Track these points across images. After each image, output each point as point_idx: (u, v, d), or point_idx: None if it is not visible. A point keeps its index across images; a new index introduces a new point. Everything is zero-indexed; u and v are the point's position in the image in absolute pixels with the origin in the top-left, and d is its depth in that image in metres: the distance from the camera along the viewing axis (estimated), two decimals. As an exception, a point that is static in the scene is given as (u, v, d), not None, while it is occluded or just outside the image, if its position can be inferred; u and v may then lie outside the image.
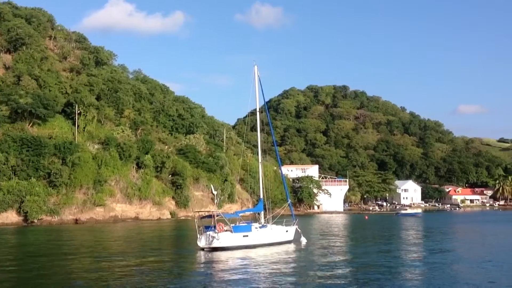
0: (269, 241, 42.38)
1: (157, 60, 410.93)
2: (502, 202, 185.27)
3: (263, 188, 46.94)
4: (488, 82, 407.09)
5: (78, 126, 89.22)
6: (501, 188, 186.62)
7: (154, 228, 69.00)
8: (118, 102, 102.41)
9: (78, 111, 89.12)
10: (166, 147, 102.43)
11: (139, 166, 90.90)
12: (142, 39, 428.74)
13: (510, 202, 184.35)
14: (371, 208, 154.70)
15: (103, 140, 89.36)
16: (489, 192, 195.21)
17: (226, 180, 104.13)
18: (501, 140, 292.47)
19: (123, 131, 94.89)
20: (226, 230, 40.34)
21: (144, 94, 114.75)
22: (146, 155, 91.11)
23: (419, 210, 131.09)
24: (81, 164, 79.42)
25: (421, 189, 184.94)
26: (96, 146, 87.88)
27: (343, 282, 25.91)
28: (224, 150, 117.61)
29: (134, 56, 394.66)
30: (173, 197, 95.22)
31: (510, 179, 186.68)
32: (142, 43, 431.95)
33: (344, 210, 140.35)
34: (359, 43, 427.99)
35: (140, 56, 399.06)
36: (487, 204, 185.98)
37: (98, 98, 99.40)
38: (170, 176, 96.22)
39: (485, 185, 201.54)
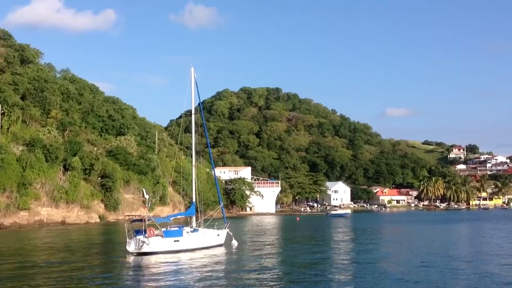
0: (201, 245, 42.30)
1: (87, 59, 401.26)
2: (426, 203, 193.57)
3: (195, 191, 46.83)
4: (414, 85, 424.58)
5: (1, 126, 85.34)
6: (425, 189, 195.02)
7: (82, 232, 67.09)
8: (44, 102, 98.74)
9: (2, 111, 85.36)
10: (95, 148, 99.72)
11: (66, 169, 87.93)
12: (71, 37, 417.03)
13: (433, 202, 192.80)
14: (302, 209, 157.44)
15: (28, 141, 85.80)
16: (414, 193, 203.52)
17: (158, 182, 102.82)
18: (426, 143, 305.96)
19: (50, 132, 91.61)
20: (156, 235, 40.00)
21: (72, 94, 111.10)
22: (74, 157, 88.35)
23: (348, 211, 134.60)
24: (5, 167, 75.92)
25: (351, 190, 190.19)
26: (20, 148, 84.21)
27: (272, 284, 26.22)
28: (156, 152, 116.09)
29: (62, 54, 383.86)
30: (102, 200, 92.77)
31: (433, 180, 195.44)
32: (71, 41, 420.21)
33: (276, 211, 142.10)
34: (292, 45, 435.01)
35: (68, 54, 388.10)
36: (413, 205, 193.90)
37: (23, 98, 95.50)
38: (99, 178, 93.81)
39: (411, 186, 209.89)
